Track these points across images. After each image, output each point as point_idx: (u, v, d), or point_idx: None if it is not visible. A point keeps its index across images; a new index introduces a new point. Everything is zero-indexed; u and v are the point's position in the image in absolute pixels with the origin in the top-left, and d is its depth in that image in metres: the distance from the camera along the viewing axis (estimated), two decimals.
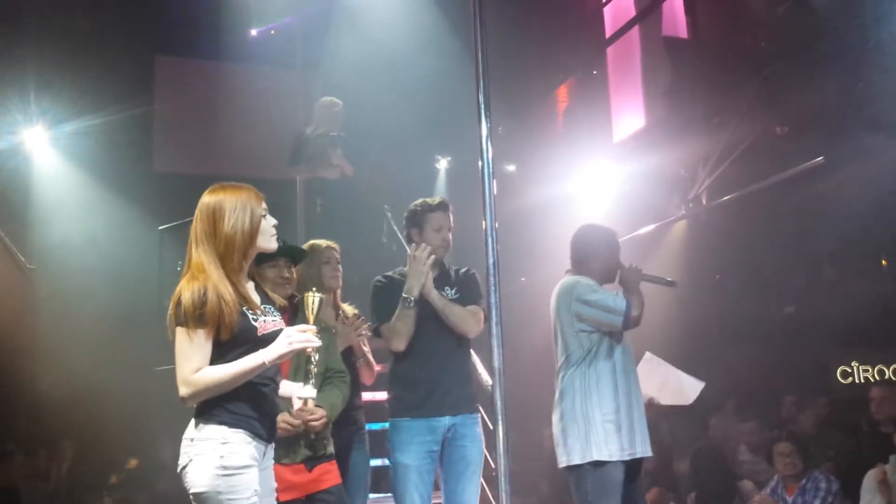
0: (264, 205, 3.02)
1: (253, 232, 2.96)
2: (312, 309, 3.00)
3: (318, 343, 2.92)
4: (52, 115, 8.65)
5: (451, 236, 4.32)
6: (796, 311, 7.84)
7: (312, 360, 3.00)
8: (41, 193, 9.03)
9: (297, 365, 3.82)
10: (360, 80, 8.73)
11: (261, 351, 2.87)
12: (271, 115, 9.68)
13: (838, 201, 6.69)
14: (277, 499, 3.55)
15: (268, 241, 3.02)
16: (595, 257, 4.32)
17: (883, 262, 7.44)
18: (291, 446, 3.77)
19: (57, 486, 8.26)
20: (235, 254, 2.93)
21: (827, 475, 5.42)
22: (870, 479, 5.27)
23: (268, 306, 3.04)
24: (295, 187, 7.66)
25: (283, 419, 3.58)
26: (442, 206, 4.34)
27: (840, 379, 7.21)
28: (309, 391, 3.01)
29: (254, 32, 9.92)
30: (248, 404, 2.89)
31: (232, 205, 2.95)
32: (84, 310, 8.58)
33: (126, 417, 8.11)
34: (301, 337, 2.88)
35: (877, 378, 7.17)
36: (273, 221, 3.04)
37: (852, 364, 7.20)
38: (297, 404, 3.15)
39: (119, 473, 8.22)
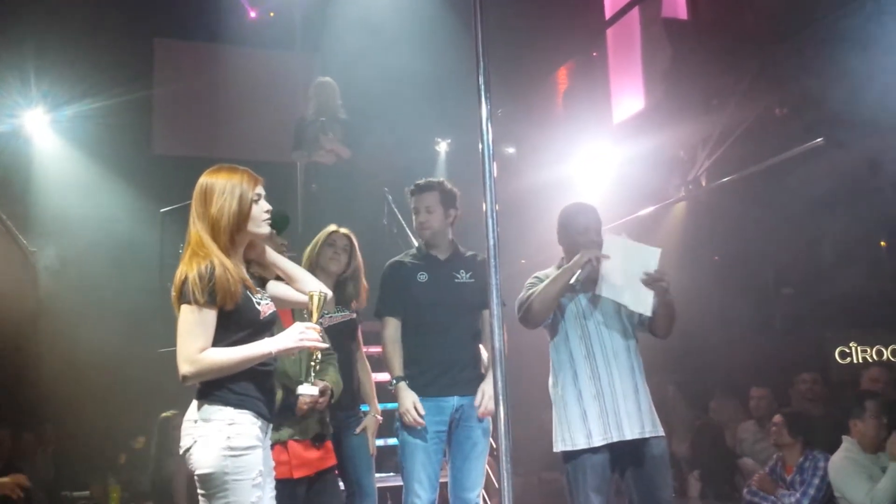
0: (259, 190, 3.01)
1: (241, 216, 2.94)
2: (318, 307, 3.02)
3: (325, 345, 3.00)
4: (52, 98, 8.65)
5: (433, 218, 4.32)
6: (795, 293, 7.86)
7: (316, 358, 3.04)
8: (42, 176, 9.04)
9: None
10: (360, 63, 8.71)
11: (268, 340, 2.92)
12: (270, 98, 9.68)
13: (837, 183, 6.69)
14: (292, 475, 3.68)
15: (258, 226, 3.00)
16: (561, 241, 4.23)
17: (882, 243, 7.45)
18: (303, 423, 3.82)
19: (59, 466, 8.31)
20: (222, 235, 2.93)
21: (825, 454, 5.44)
22: (847, 465, 5.25)
23: (260, 290, 3.08)
24: (295, 171, 7.67)
25: (305, 400, 3.67)
26: (415, 189, 4.38)
27: (838, 359, 7.24)
28: (310, 389, 3.05)
29: (253, 15, 9.90)
30: (253, 385, 2.91)
31: (221, 187, 2.96)
32: (85, 292, 8.61)
33: (128, 400, 8.16)
34: (312, 336, 2.93)
35: (875, 359, 7.20)
36: (266, 207, 3.02)
37: (850, 345, 7.21)
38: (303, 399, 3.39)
39: (124, 454, 8.28)
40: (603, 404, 3.90)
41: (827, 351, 7.27)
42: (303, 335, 2.92)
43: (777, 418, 5.66)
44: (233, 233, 2.95)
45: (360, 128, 7.42)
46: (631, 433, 3.87)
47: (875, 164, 6.40)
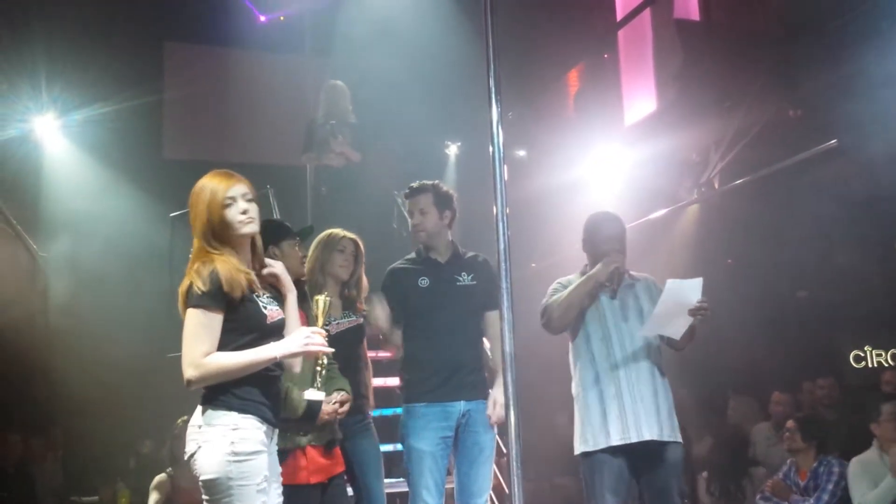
0: (233, 192, 2.97)
1: (212, 220, 2.94)
2: (323, 311, 3.00)
3: (330, 349, 2.96)
4: (62, 103, 8.68)
5: (427, 220, 4.30)
6: (809, 296, 7.80)
7: (322, 362, 3.00)
8: (52, 181, 9.07)
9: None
10: (370, 66, 8.70)
11: (273, 345, 2.90)
12: (280, 102, 9.68)
13: (852, 184, 6.64)
14: (309, 481, 3.70)
15: (237, 227, 2.97)
16: (586, 248, 4.28)
17: None
18: (321, 429, 3.83)
19: (69, 470, 8.33)
20: (202, 238, 2.95)
21: (840, 459, 5.42)
22: (855, 466, 5.26)
23: (270, 293, 3.07)
24: (305, 174, 7.67)
25: (327, 410, 3.72)
26: (409, 192, 4.38)
27: (853, 363, 7.19)
28: (317, 394, 3.01)
29: (263, 18, 9.91)
30: (258, 390, 2.90)
31: (197, 193, 2.98)
32: (95, 296, 8.62)
33: (137, 404, 8.17)
34: (318, 341, 2.92)
35: (890, 363, 7.14)
36: (242, 208, 2.97)
37: (865, 348, 7.16)
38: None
39: (133, 458, 8.29)
40: (622, 405, 3.93)
41: (841, 355, 7.21)
42: (308, 339, 2.90)
43: (790, 423, 5.63)
44: (207, 234, 2.95)
45: (370, 131, 7.40)
46: (649, 434, 3.90)
47: (889, 165, 6.34)
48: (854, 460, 5.30)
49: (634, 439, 3.89)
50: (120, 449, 8.34)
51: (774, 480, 5.64)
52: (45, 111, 8.71)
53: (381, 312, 4.21)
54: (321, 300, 3.01)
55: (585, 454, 3.99)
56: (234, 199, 2.97)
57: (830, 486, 5.34)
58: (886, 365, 7.09)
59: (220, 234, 2.95)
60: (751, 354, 7.61)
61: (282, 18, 10.04)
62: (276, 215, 7.32)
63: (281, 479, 3.07)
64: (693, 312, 3.90)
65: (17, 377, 8.15)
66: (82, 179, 9.02)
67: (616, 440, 3.90)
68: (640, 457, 3.95)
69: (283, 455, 3.48)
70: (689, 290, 3.92)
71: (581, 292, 4.01)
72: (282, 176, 8.05)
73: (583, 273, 4.19)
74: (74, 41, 8.65)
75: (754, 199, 7.61)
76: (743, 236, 7.89)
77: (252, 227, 3.00)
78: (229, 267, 2.87)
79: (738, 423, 7.05)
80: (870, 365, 7.12)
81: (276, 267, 3.11)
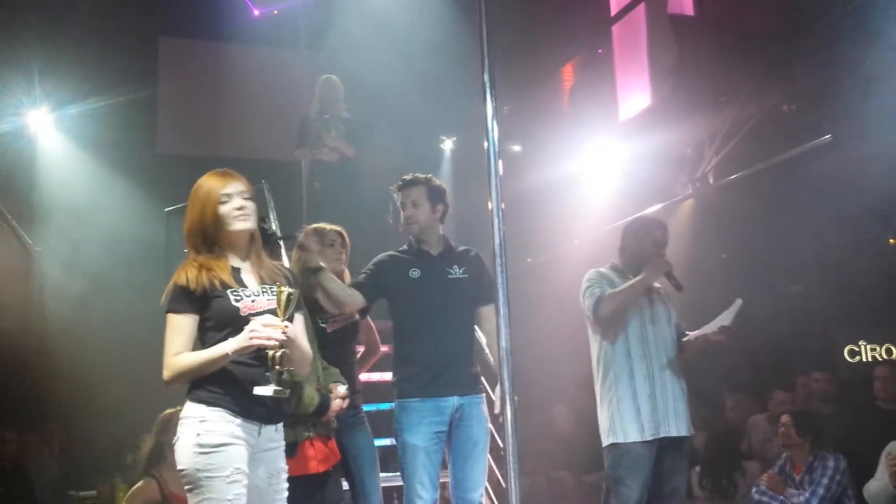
0: (229, 189, 3.04)
1: (204, 217, 3.03)
2: (282, 304, 2.95)
3: (279, 338, 2.87)
4: (56, 97, 8.65)
5: (419, 212, 4.31)
6: (804, 290, 7.82)
7: (275, 356, 2.90)
8: (46, 176, 9.04)
9: None
10: (364, 60, 8.69)
11: (228, 341, 2.90)
12: (275, 96, 9.66)
13: (846, 179, 6.65)
14: (318, 469, 3.81)
15: (230, 223, 3.04)
16: (623, 248, 4.48)
17: (891, 240, 7.41)
18: (329, 421, 3.92)
19: (66, 465, 8.31)
20: (193, 237, 3.06)
21: (835, 454, 5.42)
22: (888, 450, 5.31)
23: (268, 286, 3.07)
24: (300, 169, 7.66)
25: (334, 406, 3.86)
26: (402, 185, 4.40)
27: (848, 358, 7.21)
28: (263, 390, 2.91)
29: (257, 13, 9.90)
30: (228, 384, 2.93)
31: (195, 190, 3.08)
32: (91, 290, 8.60)
33: (134, 399, 8.14)
34: (264, 332, 2.86)
35: (884, 357, 7.16)
36: (237, 204, 3.03)
37: (860, 343, 7.19)
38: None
39: (131, 454, 8.26)
40: (655, 403, 4.19)
41: (836, 349, 7.23)
42: (253, 333, 2.86)
43: (785, 418, 5.64)
44: (201, 232, 3.05)
45: (364, 126, 7.40)
46: (678, 431, 4.20)
47: (883, 159, 6.36)
48: (891, 444, 5.29)
49: (663, 434, 4.16)
50: (117, 444, 8.32)
51: (770, 474, 5.65)
52: (38, 105, 8.69)
53: (333, 283, 4.11)
54: (283, 292, 2.96)
55: (614, 445, 4.19)
56: (229, 195, 3.04)
57: (825, 481, 5.34)
58: (881, 359, 7.12)
59: (211, 232, 3.04)
60: (745, 349, 7.62)
61: (276, 13, 10.02)
62: (272, 210, 7.32)
63: (286, 473, 3.09)
64: (722, 330, 4.23)
65: (13, 372, 8.13)
66: (76, 173, 9.00)
67: (649, 435, 4.14)
68: (661, 448, 4.19)
69: (293, 448, 3.57)
70: (731, 310, 4.27)
71: (636, 292, 4.23)
72: (277, 171, 8.03)
73: (613, 268, 4.43)
74: (68, 35, 8.62)
75: (749, 194, 7.62)
76: (738, 231, 7.91)
77: (246, 224, 3.06)
78: (188, 267, 2.98)
79: (735, 420, 7.07)
80: (864, 359, 7.15)
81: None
